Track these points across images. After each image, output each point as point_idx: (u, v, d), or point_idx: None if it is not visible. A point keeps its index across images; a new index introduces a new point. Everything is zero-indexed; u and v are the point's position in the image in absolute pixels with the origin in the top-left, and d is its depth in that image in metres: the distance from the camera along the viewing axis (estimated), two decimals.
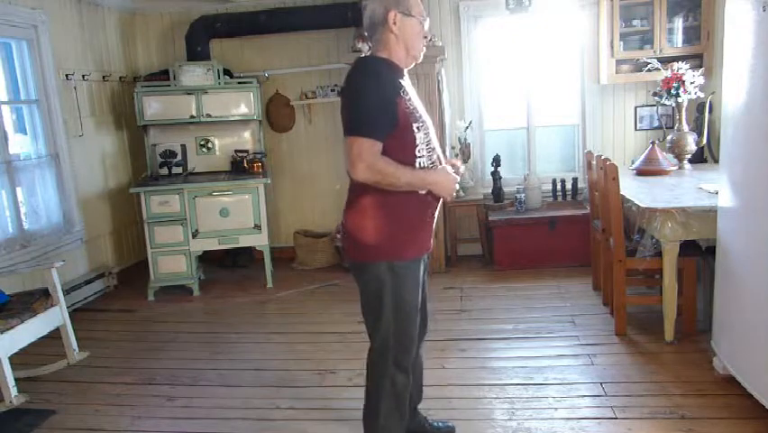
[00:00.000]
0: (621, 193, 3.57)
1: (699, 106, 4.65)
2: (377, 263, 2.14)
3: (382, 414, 2.27)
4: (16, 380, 3.24)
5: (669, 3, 4.82)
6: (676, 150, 4.45)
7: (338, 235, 5.43)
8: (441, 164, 2.24)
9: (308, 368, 3.49)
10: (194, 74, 5.22)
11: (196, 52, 5.43)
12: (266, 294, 4.99)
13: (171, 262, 4.98)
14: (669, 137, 4.52)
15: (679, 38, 4.94)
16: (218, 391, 3.30)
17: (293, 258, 5.76)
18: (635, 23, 5.00)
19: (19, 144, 4.58)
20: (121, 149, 5.64)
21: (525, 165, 5.63)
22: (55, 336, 3.66)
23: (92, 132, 5.18)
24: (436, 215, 2.28)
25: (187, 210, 4.94)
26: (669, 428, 2.63)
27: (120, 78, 5.58)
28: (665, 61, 4.60)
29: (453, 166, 2.28)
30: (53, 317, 3.62)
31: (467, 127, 5.29)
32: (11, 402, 3.16)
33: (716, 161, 4.39)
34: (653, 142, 4.43)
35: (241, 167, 5.30)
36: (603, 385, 3.05)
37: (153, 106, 5.22)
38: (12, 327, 3.25)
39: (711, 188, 3.39)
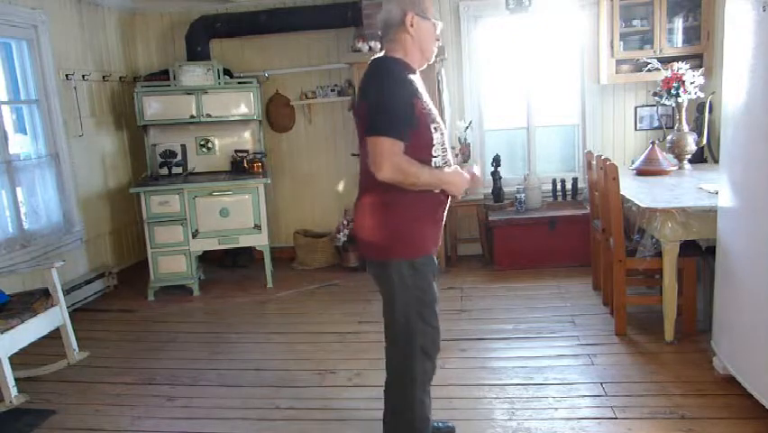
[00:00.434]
0: (621, 193, 3.57)
1: (699, 106, 4.65)
2: (398, 261, 2.20)
3: (417, 404, 2.34)
4: (16, 380, 3.24)
5: (669, 3, 4.82)
6: (676, 150, 4.45)
7: (338, 235, 5.44)
8: (452, 164, 2.30)
9: (308, 368, 3.49)
10: (194, 74, 5.22)
11: (196, 52, 5.43)
12: (266, 294, 4.99)
13: (171, 262, 4.98)
14: (669, 137, 4.51)
15: (679, 38, 4.93)
16: (218, 391, 3.30)
17: (293, 258, 5.76)
18: (635, 22, 5.00)
19: (19, 144, 4.58)
20: (121, 149, 5.64)
21: (525, 165, 5.63)
22: (55, 336, 3.66)
23: (92, 132, 5.18)
24: (446, 212, 2.34)
25: (187, 210, 4.94)
26: (669, 428, 2.63)
27: (120, 78, 5.58)
28: (665, 61, 4.60)
29: (473, 176, 2.34)
30: (53, 317, 3.62)
31: (467, 127, 5.29)
32: (11, 402, 3.16)
33: (716, 161, 4.39)
34: (653, 142, 4.43)
35: (241, 167, 5.30)
36: (603, 385, 3.05)
37: (153, 106, 5.22)
38: (12, 327, 3.25)
39: (711, 188, 3.39)
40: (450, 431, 2.70)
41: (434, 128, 2.18)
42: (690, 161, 4.50)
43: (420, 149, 2.14)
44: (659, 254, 3.39)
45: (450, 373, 3.26)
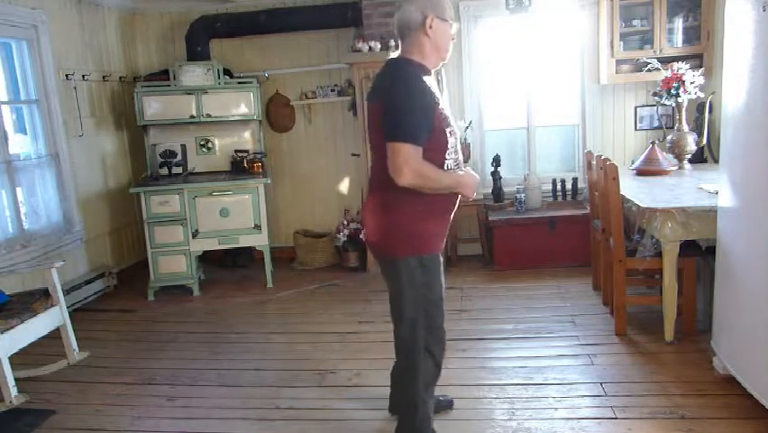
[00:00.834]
0: (621, 193, 3.57)
1: (699, 106, 4.65)
2: (407, 258, 2.26)
3: (420, 402, 2.40)
4: (16, 380, 3.24)
5: (669, 3, 4.82)
6: (676, 150, 4.45)
7: (338, 235, 5.44)
8: (462, 165, 2.36)
9: (308, 368, 3.49)
10: (194, 74, 5.22)
11: (196, 52, 5.43)
12: (266, 294, 4.99)
13: (171, 262, 4.98)
14: (669, 137, 4.51)
15: (679, 38, 4.93)
16: (218, 391, 3.30)
17: (293, 258, 5.76)
18: (635, 22, 5.00)
19: (19, 144, 4.58)
20: (121, 149, 5.64)
21: (525, 165, 5.63)
22: (55, 336, 3.66)
23: (92, 132, 5.18)
24: (454, 213, 2.41)
25: (187, 210, 4.94)
26: (669, 428, 2.63)
27: (120, 78, 5.58)
28: (665, 61, 4.60)
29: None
30: (53, 317, 3.62)
31: (467, 127, 5.29)
32: (11, 402, 3.16)
33: (716, 161, 4.39)
34: (653, 142, 4.43)
35: (241, 167, 5.30)
36: (603, 385, 3.05)
37: (153, 106, 5.22)
38: (12, 327, 3.25)
39: (711, 188, 3.39)
40: (449, 404, 2.78)
41: (450, 132, 2.23)
42: (690, 161, 4.50)
43: (436, 152, 2.19)
44: (659, 254, 3.39)
45: (450, 373, 3.25)
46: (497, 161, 5.28)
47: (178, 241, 4.96)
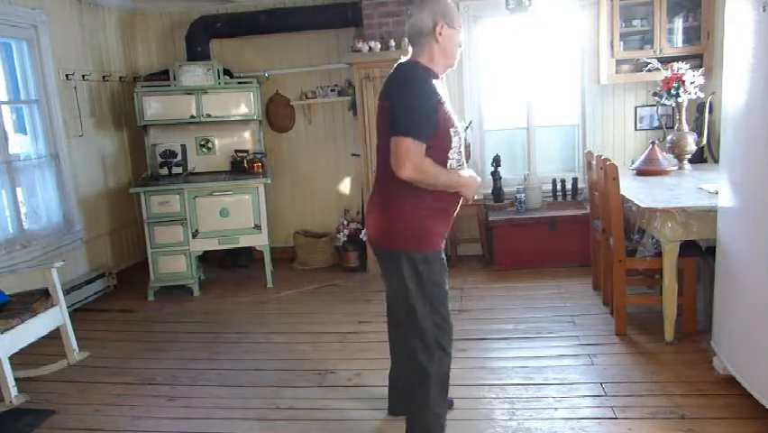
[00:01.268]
0: (621, 193, 3.57)
1: (699, 106, 4.65)
2: (411, 254, 2.30)
3: (432, 400, 2.41)
4: (16, 380, 3.25)
5: (669, 3, 4.82)
6: (676, 150, 4.45)
7: (338, 235, 5.44)
8: (465, 165, 2.43)
9: (308, 368, 3.49)
10: (194, 74, 5.22)
11: (196, 52, 5.43)
12: (266, 294, 4.99)
13: (171, 262, 4.98)
14: (669, 137, 4.51)
15: (679, 38, 4.93)
16: (218, 391, 3.30)
17: (293, 258, 5.76)
18: (635, 23, 5.00)
19: (19, 144, 4.58)
20: (121, 149, 5.64)
21: (525, 165, 5.63)
22: (55, 336, 3.66)
23: (92, 132, 5.18)
24: (456, 212, 2.47)
25: (187, 210, 4.94)
26: (669, 428, 2.63)
27: (120, 78, 5.58)
28: (665, 61, 4.60)
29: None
30: (53, 317, 3.62)
31: (467, 127, 5.29)
32: (11, 402, 3.16)
33: (716, 161, 4.39)
34: (653, 142, 4.43)
35: (241, 167, 5.30)
36: (603, 385, 3.05)
37: (153, 106, 5.22)
38: (12, 327, 3.25)
39: (711, 188, 3.39)
40: (449, 405, 2.76)
41: (453, 132, 2.29)
42: (690, 161, 4.50)
43: (439, 151, 2.26)
44: (659, 254, 3.39)
45: (450, 373, 3.25)
46: (497, 161, 5.28)
47: (178, 241, 4.95)
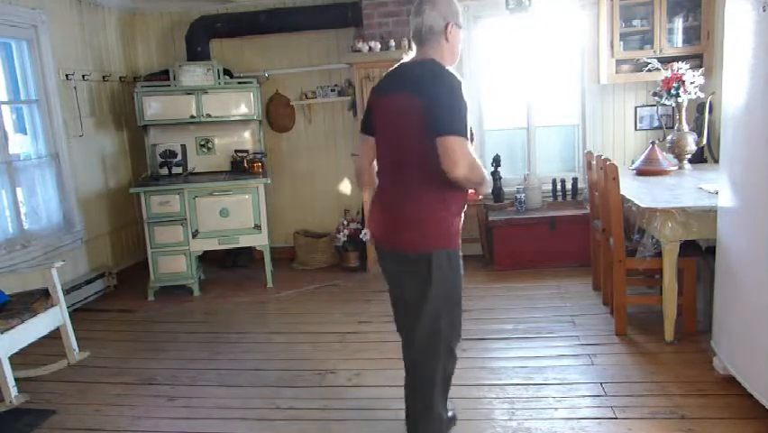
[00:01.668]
0: (621, 193, 3.57)
1: (699, 106, 4.65)
2: (438, 251, 2.27)
3: (436, 400, 2.40)
4: (16, 380, 3.25)
5: (669, 3, 4.82)
6: (676, 150, 4.45)
7: (338, 235, 5.44)
8: None
9: (308, 368, 3.49)
10: (194, 74, 5.22)
11: (196, 52, 5.43)
12: (266, 294, 4.99)
13: (171, 262, 4.98)
14: (669, 137, 4.51)
15: (679, 38, 4.93)
16: (218, 391, 3.30)
17: (293, 258, 5.76)
18: (635, 23, 5.00)
19: (19, 144, 4.59)
20: (121, 149, 5.64)
21: (525, 165, 5.63)
22: (55, 336, 3.66)
23: (92, 132, 5.18)
24: None
25: (188, 210, 4.94)
26: (669, 428, 2.63)
27: (120, 78, 5.58)
28: (665, 61, 4.60)
29: None
30: (53, 317, 3.62)
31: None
32: (11, 402, 3.16)
33: (716, 161, 4.39)
34: (653, 142, 4.43)
35: (241, 167, 5.30)
36: (603, 385, 3.05)
37: (153, 106, 5.22)
38: (12, 327, 3.25)
39: (711, 188, 3.39)
40: (454, 417, 2.74)
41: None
42: (690, 161, 4.50)
43: None
44: (659, 254, 3.39)
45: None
46: (497, 161, 5.28)
47: (178, 241, 4.95)
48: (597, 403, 2.89)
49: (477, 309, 4.27)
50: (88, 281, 4.90)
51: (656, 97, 4.48)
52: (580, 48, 5.35)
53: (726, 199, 2.92)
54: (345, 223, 5.51)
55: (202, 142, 5.58)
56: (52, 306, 3.61)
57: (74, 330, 3.75)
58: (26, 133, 4.60)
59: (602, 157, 3.88)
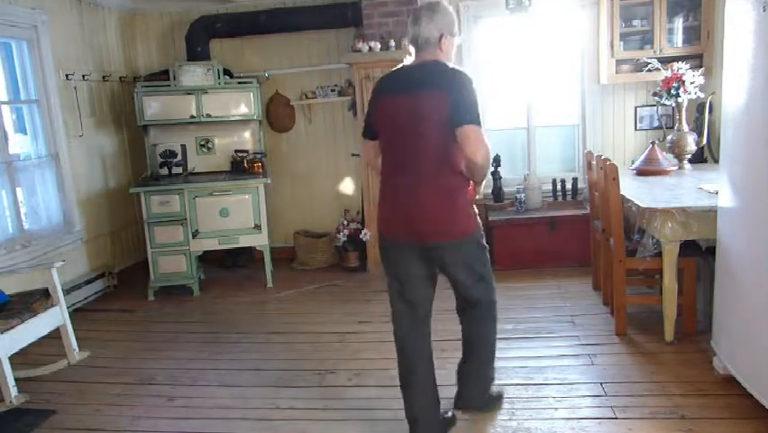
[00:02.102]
0: (621, 193, 3.57)
1: (699, 107, 4.65)
2: (473, 234, 2.60)
3: (494, 355, 2.83)
4: (16, 380, 3.25)
5: (669, 3, 4.82)
6: (676, 150, 4.45)
7: (338, 235, 5.44)
8: None
9: (308, 368, 3.49)
10: (194, 74, 5.22)
11: (196, 52, 5.43)
12: (266, 294, 4.99)
13: (171, 262, 4.98)
14: (669, 137, 4.52)
15: (679, 38, 4.93)
16: (218, 391, 3.30)
17: (293, 258, 5.76)
18: (635, 23, 5.00)
19: (19, 144, 4.59)
20: (121, 149, 5.64)
21: (525, 165, 5.63)
22: (55, 336, 3.66)
23: (92, 132, 5.18)
24: None
25: (188, 210, 4.94)
26: (669, 428, 2.63)
27: (120, 78, 5.58)
28: (665, 61, 4.60)
29: None
30: (53, 317, 3.62)
31: None
32: (11, 402, 3.17)
33: (716, 161, 4.39)
34: (653, 142, 4.43)
35: (241, 167, 5.30)
36: (603, 385, 3.05)
37: (153, 106, 5.22)
38: (12, 327, 3.25)
39: (711, 188, 3.39)
40: (453, 420, 2.81)
41: None
42: (690, 161, 4.50)
43: None
44: (659, 254, 3.39)
45: (451, 373, 3.24)
46: (497, 161, 5.28)
47: (178, 241, 4.96)
48: (597, 403, 2.89)
49: None
50: (88, 281, 4.90)
51: (656, 97, 4.48)
52: (580, 48, 5.35)
53: (726, 199, 2.92)
54: (345, 223, 5.51)
55: (202, 142, 5.58)
56: (52, 306, 3.62)
57: (74, 330, 3.75)
58: (26, 133, 4.60)
59: (602, 157, 3.88)
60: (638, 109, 5.35)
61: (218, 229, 5.01)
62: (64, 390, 3.39)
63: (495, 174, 5.31)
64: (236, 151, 5.47)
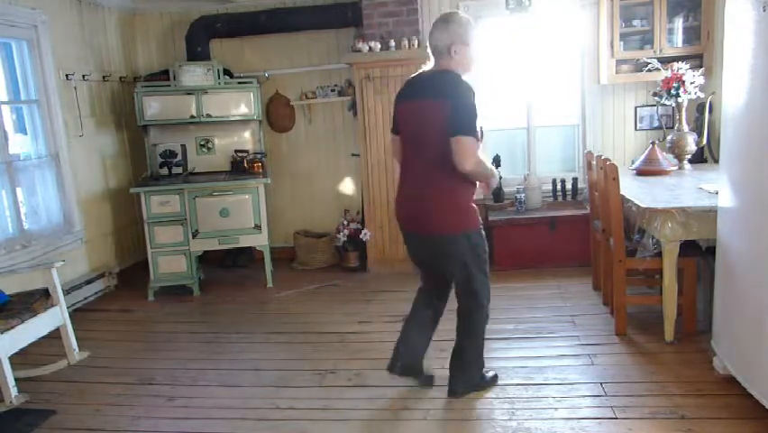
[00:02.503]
0: (621, 193, 3.57)
1: (699, 107, 4.65)
2: (470, 231, 2.77)
3: (480, 351, 3.01)
4: (16, 380, 3.24)
5: (669, 3, 4.82)
6: (676, 150, 4.45)
7: (338, 235, 5.44)
8: None
9: (308, 368, 3.49)
10: (194, 74, 5.22)
11: (196, 52, 5.43)
12: (266, 294, 4.99)
13: (171, 262, 4.98)
14: (669, 137, 4.51)
15: (679, 38, 4.93)
16: (218, 391, 3.30)
17: (293, 258, 5.76)
18: (635, 23, 5.00)
19: (19, 144, 4.59)
20: (121, 149, 5.64)
21: (525, 165, 5.63)
22: (55, 336, 3.66)
23: (92, 132, 5.18)
24: None
25: (188, 210, 4.94)
26: (669, 428, 2.63)
27: (120, 78, 5.58)
28: (665, 61, 4.60)
29: None
30: (53, 317, 3.62)
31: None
32: (11, 402, 3.16)
33: (716, 161, 4.39)
34: (653, 143, 4.42)
35: (241, 167, 5.30)
36: (603, 385, 3.05)
37: (153, 106, 5.22)
38: (12, 327, 3.25)
39: (711, 188, 3.39)
40: (430, 381, 3.11)
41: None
42: (690, 161, 4.50)
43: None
44: (659, 254, 3.39)
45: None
46: (497, 161, 5.27)
47: (178, 241, 4.96)
48: (597, 403, 2.89)
49: None
50: (88, 281, 4.90)
51: (656, 97, 4.48)
52: (580, 48, 5.35)
53: (726, 199, 2.92)
54: (345, 223, 5.51)
55: (202, 143, 5.58)
56: (52, 306, 3.61)
57: (74, 330, 3.75)
58: (26, 134, 4.60)
59: (602, 157, 3.88)
60: (638, 109, 5.35)
61: (218, 229, 5.01)
62: (64, 390, 3.39)
63: None
64: (236, 151, 5.47)
